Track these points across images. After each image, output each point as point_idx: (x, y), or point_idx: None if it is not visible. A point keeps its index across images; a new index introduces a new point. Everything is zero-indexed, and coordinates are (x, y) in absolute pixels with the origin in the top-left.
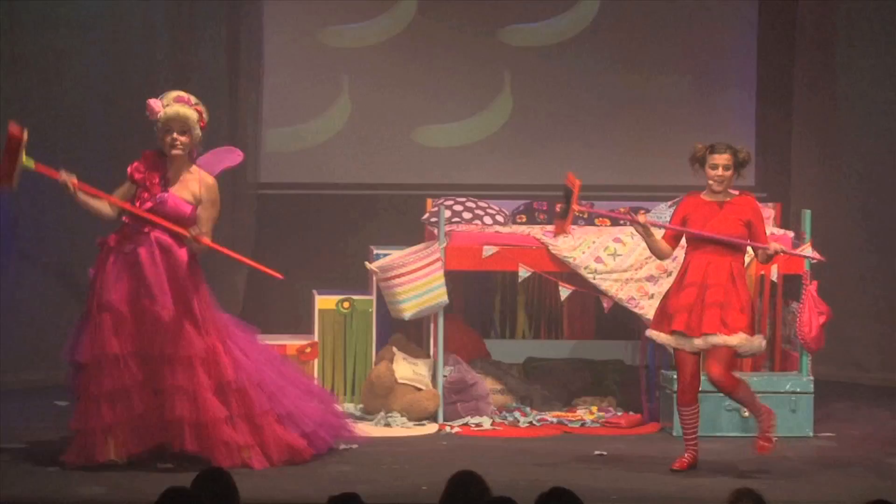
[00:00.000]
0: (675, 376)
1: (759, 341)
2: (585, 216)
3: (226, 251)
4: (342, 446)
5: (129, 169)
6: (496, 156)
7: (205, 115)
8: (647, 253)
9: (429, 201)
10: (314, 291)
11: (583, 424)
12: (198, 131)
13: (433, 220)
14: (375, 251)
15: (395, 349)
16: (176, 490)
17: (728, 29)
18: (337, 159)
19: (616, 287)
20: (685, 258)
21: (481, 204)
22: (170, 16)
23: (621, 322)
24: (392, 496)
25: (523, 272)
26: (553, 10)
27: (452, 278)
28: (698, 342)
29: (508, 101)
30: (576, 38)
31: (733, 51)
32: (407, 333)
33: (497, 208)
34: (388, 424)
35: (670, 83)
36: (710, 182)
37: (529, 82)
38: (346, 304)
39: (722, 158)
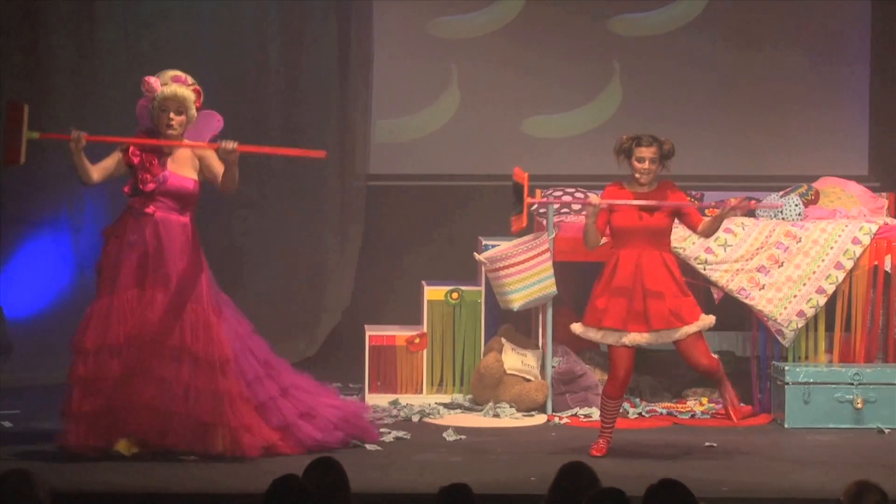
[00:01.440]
0: (786, 367)
1: (710, 319)
2: (537, 208)
3: (257, 148)
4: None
5: (125, 154)
6: (605, 146)
7: (201, 96)
8: (759, 243)
9: (538, 192)
10: (423, 282)
11: (693, 416)
12: (193, 112)
13: (542, 210)
14: (484, 242)
15: (503, 340)
16: (287, 479)
17: (842, 9)
18: (446, 150)
19: (727, 278)
20: (612, 253)
21: (591, 195)
22: (281, 7)
23: (732, 313)
24: (501, 486)
25: None
26: None
27: (561, 269)
28: (649, 337)
29: (618, 91)
30: (685, 27)
31: (847, 32)
32: (516, 324)
33: None
34: (496, 415)
35: (783, 72)
36: (637, 175)
37: (639, 72)
38: (454, 295)
39: (648, 151)
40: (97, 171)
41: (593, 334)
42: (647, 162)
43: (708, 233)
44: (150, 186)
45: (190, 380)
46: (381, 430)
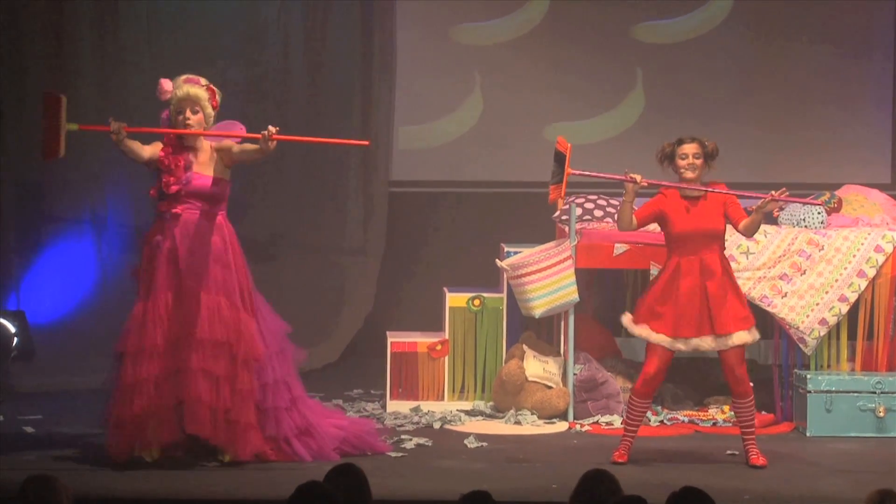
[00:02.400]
0: (808, 375)
1: (756, 334)
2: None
3: (298, 138)
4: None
5: (160, 154)
6: (628, 153)
7: (218, 96)
8: (781, 251)
9: (560, 200)
10: (445, 289)
11: (714, 424)
12: (210, 110)
13: (564, 217)
14: (506, 249)
15: (525, 347)
16: (311, 485)
17: (866, 21)
18: (468, 157)
19: (749, 285)
20: (671, 258)
21: (613, 202)
22: (304, 14)
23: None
24: (522, 494)
25: (655, 270)
26: (687, 6)
27: (583, 276)
28: (708, 342)
29: (640, 98)
30: (708, 34)
31: (871, 44)
32: (537, 331)
33: None
34: (518, 422)
35: (806, 80)
36: (682, 171)
37: (662, 79)
38: (476, 302)
39: (690, 147)
40: (146, 151)
41: (661, 340)
42: (690, 157)
43: (749, 230)
44: (174, 188)
45: (229, 375)
46: (403, 436)
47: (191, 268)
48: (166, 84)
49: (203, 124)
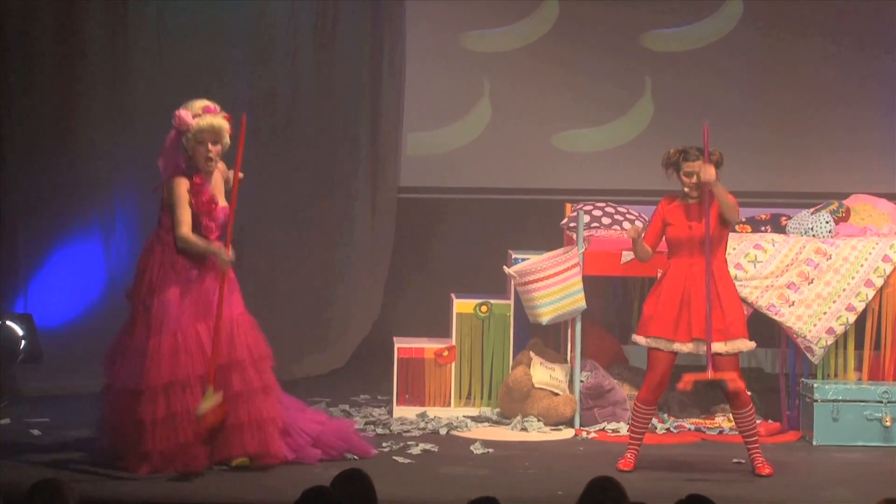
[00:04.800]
0: (815, 385)
1: (749, 345)
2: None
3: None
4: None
5: (191, 195)
6: (636, 161)
7: (230, 123)
8: (789, 260)
9: (568, 206)
10: (452, 295)
11: (721, 432)
12: (227, 140)
13: (572, 224)
14: (514, 255)
15: (532, 354)
16: (317, 490)
17: (875, 28)
18: (477, 163)
19: (756, 294)
20: (668, 262)
21: (620, 209)
22: (313, 22)
23: (761, 330)
24: (528, 500)
25: None
26: (695, 15)
27: (591, 283)
28: (689, 346)
29: (649, 106)
30: (717, 43)
31: (881, 52)
32: (544, 338)
33: (636, 213)
34: (524, 429)
35: (814, 89)
36: (686, 189)
37: (671, 87)
38: (484, 308)
39: (695, 165)
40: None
41: (641, 341)
42: (695, 176)
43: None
44: (215, 234)
45: (271, 384)
46: (409, 442)
47: (218, 294)
48: (187, 116)
49: (219, 154)
